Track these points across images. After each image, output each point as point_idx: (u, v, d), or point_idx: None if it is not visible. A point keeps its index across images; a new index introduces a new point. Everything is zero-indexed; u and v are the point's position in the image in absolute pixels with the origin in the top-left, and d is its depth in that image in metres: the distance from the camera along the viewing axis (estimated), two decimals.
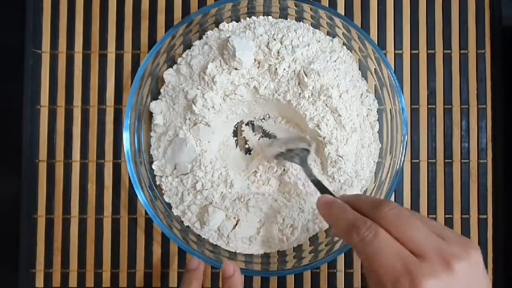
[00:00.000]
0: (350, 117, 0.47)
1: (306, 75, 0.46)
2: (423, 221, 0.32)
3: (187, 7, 0.53)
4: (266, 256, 0.50)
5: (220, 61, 0.47)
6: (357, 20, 0.53)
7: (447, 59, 0.53)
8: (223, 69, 0.46)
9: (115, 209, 0.52)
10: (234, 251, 0.49)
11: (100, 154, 0.52)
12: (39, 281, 0.52)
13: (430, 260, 0.29)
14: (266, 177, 0.50)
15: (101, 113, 0.52)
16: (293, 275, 0.52)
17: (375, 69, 0.49)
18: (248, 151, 0.52)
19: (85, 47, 0.53)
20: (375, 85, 0.51)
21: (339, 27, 0.49)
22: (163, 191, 0.50)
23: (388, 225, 0.31)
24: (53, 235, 0.52)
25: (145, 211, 0.51)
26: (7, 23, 0.53)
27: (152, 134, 0.50)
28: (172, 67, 0.50)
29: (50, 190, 0.52)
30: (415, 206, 0.52)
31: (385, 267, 0.29)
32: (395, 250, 0.30)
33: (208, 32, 0.50)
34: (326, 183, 0.48)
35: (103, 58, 0.53)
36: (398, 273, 0.29)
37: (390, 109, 0.49)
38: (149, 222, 0.52)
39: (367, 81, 0.51)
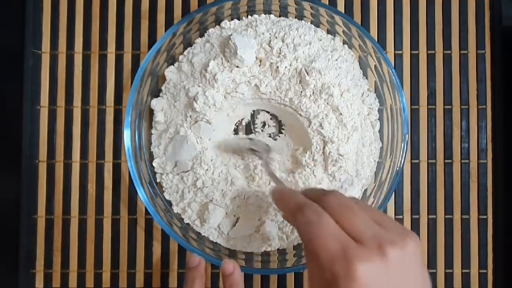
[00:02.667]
0: (351, 116, 0.47)
1: (307, 74, 0.46)
2: (365, 209, 0.34)
3: (187, 7, 0.53)
4: (266, 254, 0.50)
5: (222, 59, 0.47)
6: (357, 20, 0.53)
7: (447, 60, 0.53)
8: (225, 67, 0.46)
9: (115, 210, 0.52)
10: (234, 249, 0.49)
11: (100, 154, 0.52)
12: (39, 281, 0.52)
13: (366, 245, 0.30)
14: (266, 178, 0.50)
15: (101, 113, 0.52)
16: (293, 273, 0.52)
17: (375, 66, 0.49)
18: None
19: (85, 47, 0.53)
20: (375, 81, 0.51)
21: (339, 25, 0.49)
22: (163, 189, 0.50)
23: (331, 212, 0.33)
24: (53, 235, 0.52)
25: (145, 211, 0.51)
26: (7, 23, 0.53)
27: (153, 131, 0.50)
28: (173, 65, 0.50)
29: (50, 190, 0.52)
30: (415, 206, 0.52)
31: (324, 248, 0.31)
32: (335, 233, 0.31)
33: (210, 30, 0.50)
34: (326, 181, 0.48)
35: (103, 58, 0.53)
36: (335, 254, 0.30)
37: (390, 104, 0.50)
38: (149, 222, 0.52)
39: (367, 79, 0.51)
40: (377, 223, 0.32)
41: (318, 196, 0.35)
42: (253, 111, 0.52)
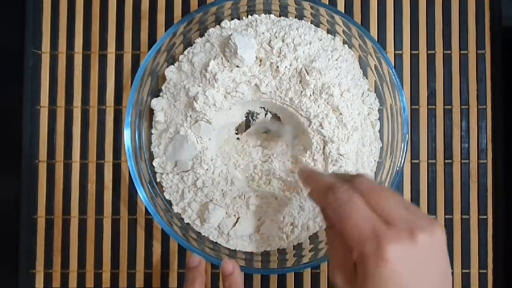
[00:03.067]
0: (351, 116, 0.47)
1: (307, 73, 0.46)
2: (394, 194, 0.34)
3: (187, 6, 0.53)
4: (266, 254, 0.50)
5: (222, 59, 0.47)
6: (357, 20, 0.53)
7: (447, 60, 0.53)
8: (225, 67, 0.46)
9: (115, 210, 0.52)
10: (234, 248, 0.49)
11: (100, 154, 0.52)
12: (39, 281, 0.52)
13: (397, 227, 0.30)
14: (266, 178, 0.50)
15: (101, 113, 0.52)
16: (293, 273, 0.52)
17: (375, 65, 0.50)
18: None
19: (85, 47, 0.53)
20: (375, 81, 0.51)
21: (339, 25, 0.49)
22: (163, 188, 0.50)
23: (362, 193, 0.33)
24: (53, 235, 0.52)
25: (145, 211, 0.51)
26: (7, 23, 0.53)
27: (153, 131, 0.50)
28: (173, 64, 0.50)
29: (50, 190, 0.52)
30: None
31: (355, 228, 0.31)
32: (366, 214, 0.32)
33: (210, 30, 0.50)
34: None
35: (103, 58, 0.53)
36: (366, 234, 0.31)
37: (390, 104, 0.50)
38: (149, 222, 0.52)
39: (367, 78, 0.51)
40: (406, 209, 0.32)
41: (348, 178, 0.35)
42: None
